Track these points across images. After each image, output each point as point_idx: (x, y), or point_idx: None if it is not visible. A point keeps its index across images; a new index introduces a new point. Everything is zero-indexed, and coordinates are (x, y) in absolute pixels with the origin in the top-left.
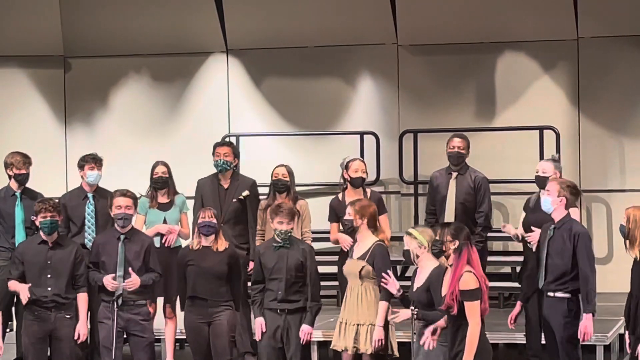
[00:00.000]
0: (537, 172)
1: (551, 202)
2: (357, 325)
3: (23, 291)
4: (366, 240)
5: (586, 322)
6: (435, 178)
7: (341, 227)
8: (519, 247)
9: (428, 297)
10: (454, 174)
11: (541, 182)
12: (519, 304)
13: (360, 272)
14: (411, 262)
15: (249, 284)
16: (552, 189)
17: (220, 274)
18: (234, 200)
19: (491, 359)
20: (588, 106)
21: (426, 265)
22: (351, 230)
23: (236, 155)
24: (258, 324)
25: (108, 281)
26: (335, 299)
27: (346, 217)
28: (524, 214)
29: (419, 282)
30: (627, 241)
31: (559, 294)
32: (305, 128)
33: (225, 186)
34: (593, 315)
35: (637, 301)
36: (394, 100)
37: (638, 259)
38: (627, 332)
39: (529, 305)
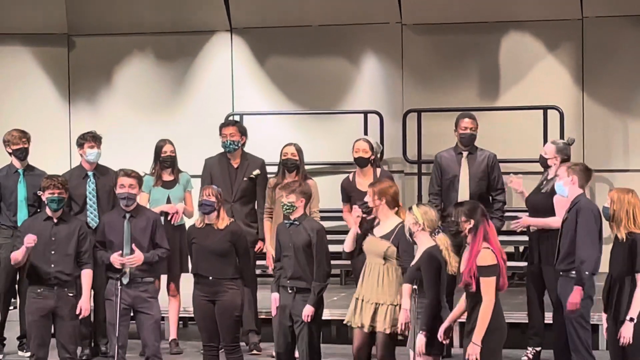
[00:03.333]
0: (541, 153)
1: (563, 184)
2: (376, 304)
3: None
4: (389, 220)
5: (573, 293)
6: (443, 158)
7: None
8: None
9: (419, 275)
10: (465, 154)
11: (542, 162)
12: None
13: (385, 252)
14: None
15: (257, 262)
16: (561, 172)
17: (221, 252)
18: (245, 179)
19: (505, 336)
20: (592, 86)
21: (422, 244)
22: (369, 212)
23: (242, 133)
24: (273, 300)
25: (115, 259)
26: (338, 277)
27: (366, 197)
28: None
29: (414, 260)
30: (612, 223)
31: (569, 273)
32: (309, 107)
33: (235, 165)
34: (582, 287)
35: (619, 285)
36: (398, 79)
37: (624, 239)
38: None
39: (530, 285)
